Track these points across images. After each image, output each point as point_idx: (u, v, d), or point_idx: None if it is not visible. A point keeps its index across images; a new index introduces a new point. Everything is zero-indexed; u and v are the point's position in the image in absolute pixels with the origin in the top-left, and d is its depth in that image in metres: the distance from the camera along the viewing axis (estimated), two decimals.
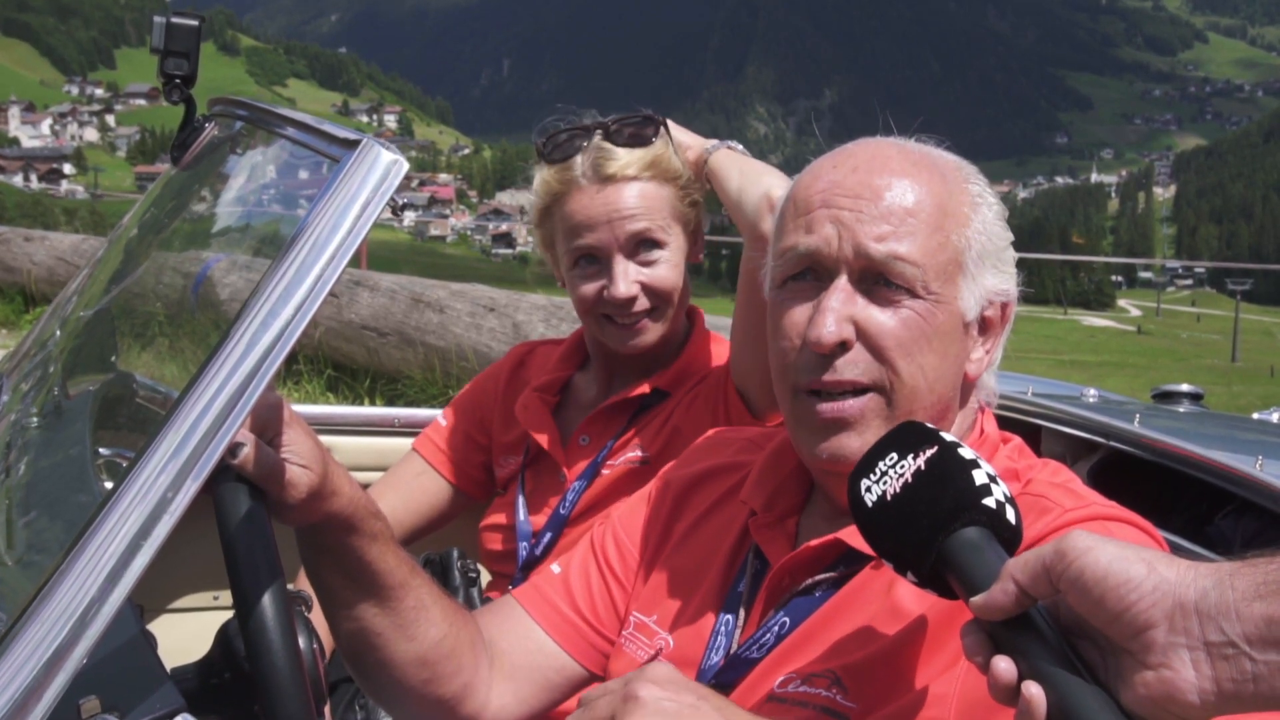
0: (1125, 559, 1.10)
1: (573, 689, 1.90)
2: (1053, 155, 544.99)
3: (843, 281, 1.60)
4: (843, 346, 1.59)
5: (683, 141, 2.64)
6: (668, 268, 2.58)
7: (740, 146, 2.61)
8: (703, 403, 2.63)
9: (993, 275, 1.67)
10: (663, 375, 2.68)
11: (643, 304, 2.57)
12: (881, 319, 1.59)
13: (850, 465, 1.38)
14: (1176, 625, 1.07)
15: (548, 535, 2.65)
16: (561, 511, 2.66)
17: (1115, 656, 1.12)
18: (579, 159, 2.56)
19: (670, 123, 2.66)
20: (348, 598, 1.65)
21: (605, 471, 2.65)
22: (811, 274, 1.63)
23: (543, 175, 2.62)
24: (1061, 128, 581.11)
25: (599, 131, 2.58)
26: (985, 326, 1.69)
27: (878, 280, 1.59)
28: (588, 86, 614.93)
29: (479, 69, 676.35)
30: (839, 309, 1.58)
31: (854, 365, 1.59)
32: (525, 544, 2.68)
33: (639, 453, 2.64)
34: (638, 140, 2.57)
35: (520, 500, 2.75)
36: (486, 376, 3.01)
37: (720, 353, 2.73)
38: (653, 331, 2.61)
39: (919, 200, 1.61)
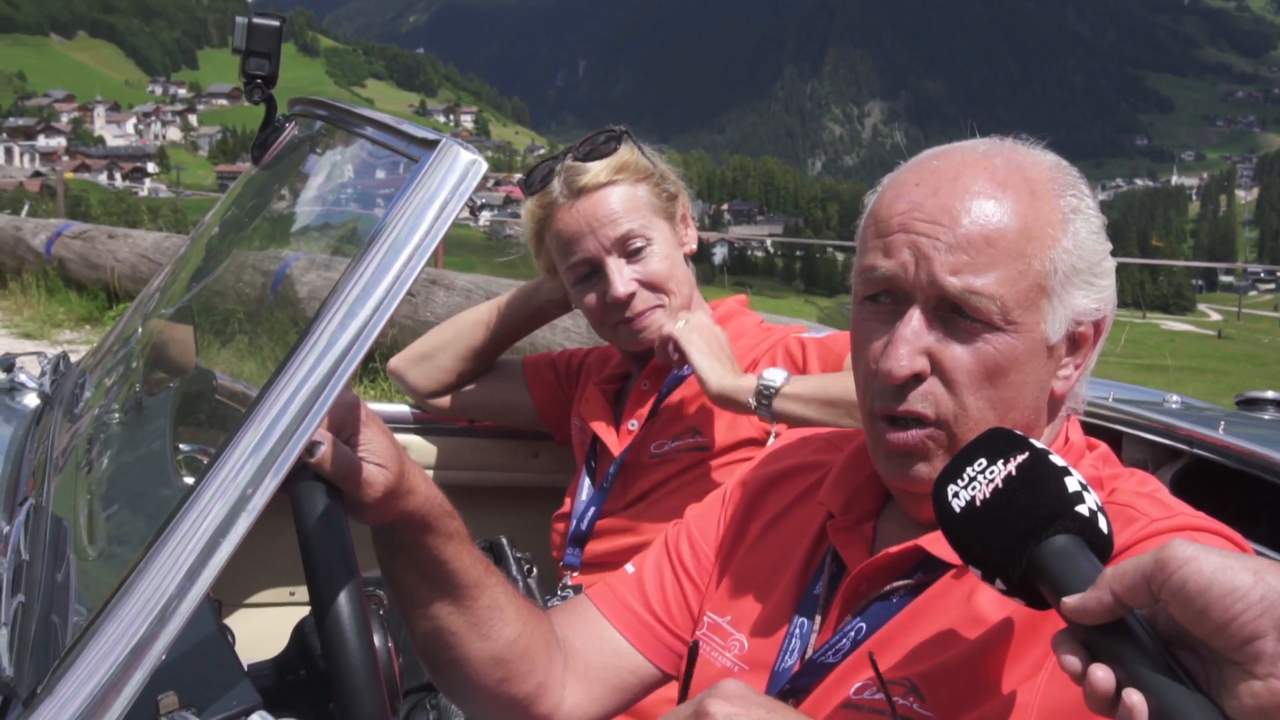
0: (1230, 568, 1.08)
1: (646, 689, 1.90)
2: (1132, 157, 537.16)
3: (918, 311, 1.55)
4: (916, 379, 1.55)
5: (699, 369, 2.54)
6: (659, 260, 2.71)
7: (787, 375, 2.46)
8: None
9: (1082, 293, 1.58)
10: None
11: (644, 298, 2.71)
12: (956, 352, 1.54)
13: (923, 488, 1.35)
14: None
15: (591, 510, 2.82)
16: (604, 485, 2.82)
17: (1219, 667, 1.09)
18: (555, 183, 2.73)
19: (692, 348, 2.57)
20: (423, 597, 1.65)
21: (652, 448, 2.78)
22: (888, 297, 1.58)
23: (527, 207, 2.80)
24: (1141, 129, 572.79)
25: (569, 155, 2.74)
26: (1076, 343, 1.62)
27: (954, 311, 1.54)
28: (662, 87, 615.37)
29: (555, 69, 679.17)
30: (912, 341, 1.54)
31: (924, 398, 1.55)
32: (576, 521, 2.85)
33: (696, 437, 2.74)
34: (604, 153, 2.71)
35: (585, 482, 2.90)
36: (570, 351, 3.24)
37: (761, 323, 2.86)
38: (662, 321, 2.69)
39: (1000, 227, 1.53)
